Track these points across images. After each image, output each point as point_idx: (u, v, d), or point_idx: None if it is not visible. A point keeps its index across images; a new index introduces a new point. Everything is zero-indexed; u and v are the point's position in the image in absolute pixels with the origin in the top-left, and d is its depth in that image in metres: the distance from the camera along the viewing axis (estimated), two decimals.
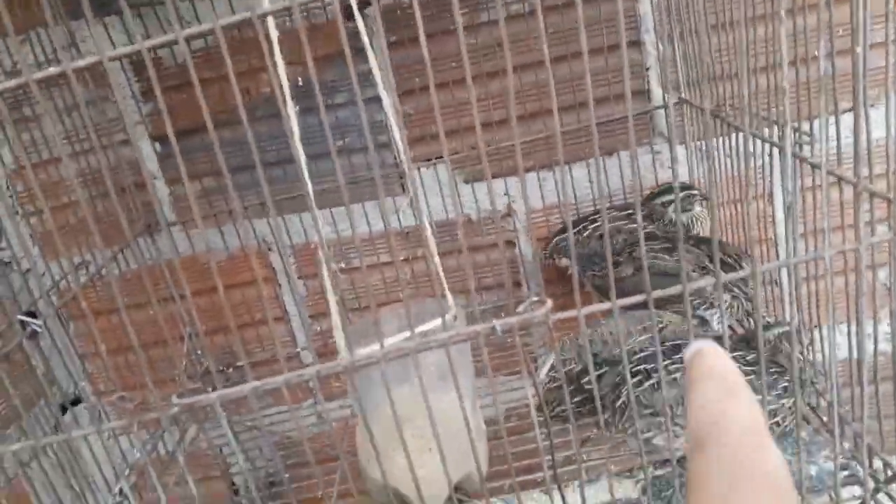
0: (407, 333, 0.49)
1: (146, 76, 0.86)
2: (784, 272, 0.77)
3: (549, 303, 0.38)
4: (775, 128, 0.57)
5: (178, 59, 0.84)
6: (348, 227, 0.87)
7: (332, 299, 0.51)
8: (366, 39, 0.61)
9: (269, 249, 0.90)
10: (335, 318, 0.53)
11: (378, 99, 0.85)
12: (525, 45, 0.80)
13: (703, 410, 0.24)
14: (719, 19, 0.64)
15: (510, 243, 0.90)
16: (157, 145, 0.88)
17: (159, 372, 0.90)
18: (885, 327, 0.52)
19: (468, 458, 0.45)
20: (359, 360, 0.43)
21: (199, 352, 0.93)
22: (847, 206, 0.45)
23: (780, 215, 0.82)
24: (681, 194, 0.75)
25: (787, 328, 0.60)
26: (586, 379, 0.63)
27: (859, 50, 0.39)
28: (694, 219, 0.76)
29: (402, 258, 0.90)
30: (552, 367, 0.68)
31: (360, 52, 0.84)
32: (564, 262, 0.85)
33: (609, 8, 0.77)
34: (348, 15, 0.85)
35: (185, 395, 0.40)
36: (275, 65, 0.50)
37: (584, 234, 0.80)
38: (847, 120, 0.46)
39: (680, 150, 0.81)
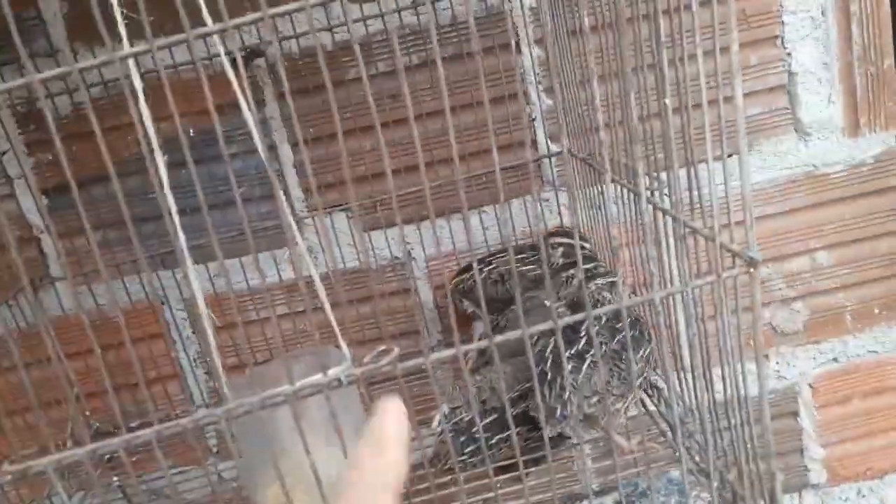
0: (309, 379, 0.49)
1: (31, 128, 0.84)
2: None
3: (396, 350, 0.38)
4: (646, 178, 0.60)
5: (61, 112, 0.82)
6: (241, 279, 0.86)
7: (213, 346, 0.50)
8: (238, 91, 0.61)
9: (162, 304, 0.88)
10: (216, 364, 0.52)
11: (274, 148, 0.86)
12: (413, 97, 0.82)
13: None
14: (584, 74, 0.67)
15: (407, 291, 0.90)
16: (44, 199, 0.85)
17: (43, 438, 0.85)
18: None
19: None
20: (235, 409, 0.42)
21: (87, 413, 0.89)
22: (700, 253, 0.47)
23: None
24: (568, 241, 0.77)
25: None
26: (475, 429, 0.63)
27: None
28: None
29: (300, 309, 0.89)
30: (444, 418, 0.67)
31: (258, 102, 0.84)
32: (466, 304, 0.85)
33: (492, 62, 0.81)
34: (247, 64, 0.86)
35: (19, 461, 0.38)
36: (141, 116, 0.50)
37: (481, 277, 0.81)
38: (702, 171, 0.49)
39: (565, 199, 0.85)
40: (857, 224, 0.89)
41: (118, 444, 0.40)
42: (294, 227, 0.68)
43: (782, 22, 0.84)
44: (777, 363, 0.94)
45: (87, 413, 0.89)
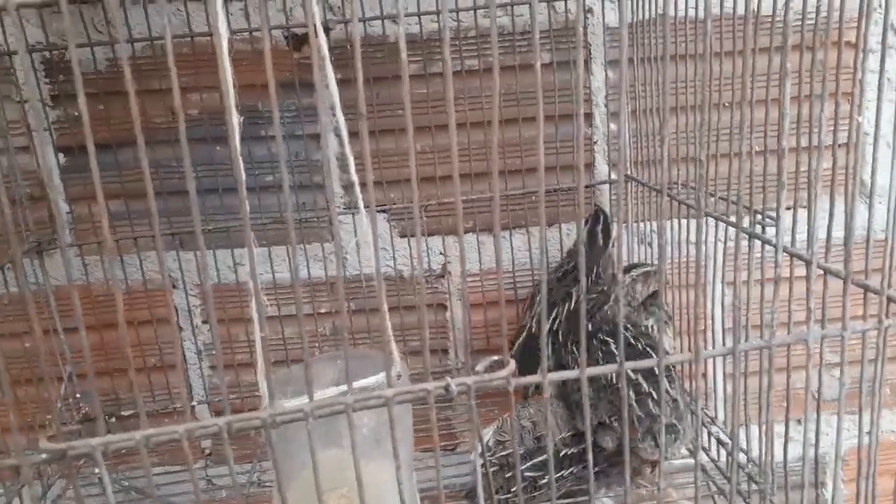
0: (342, 387, 0.43)
1: (58, 79, 0.77)
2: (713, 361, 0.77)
3: (512, 364, 0.33)
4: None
5: (97, 65, 0.76)
6: (268, 270, 0.80)
7: (258, 338, 0.45)
8: (316, 67, 0.56)
9: (174, 287, 0.82)
10: (260, 361, 0.46)
11: (317, 136, 0.81)
12: (477, 102, 0.78)
13: None
14: (679, 102, 0.64)
15: (441, 306, 0.85)
16: (62, 156, 0.79)
17: (28, 416, 0.78)
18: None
19: None
20: (281, 413, 0.37)
21: (77, 395, 0.82)
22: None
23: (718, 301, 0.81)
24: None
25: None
26: (525, 466, 0.58)
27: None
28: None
29: (322, 311, 0.83)
30: (488, 448, 0.62)
31: (306, 86, 0.79)
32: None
33: (564, 77, 0.77)
34: (298, 46, 0.81)
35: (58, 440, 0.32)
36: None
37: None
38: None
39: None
40: None
41: (140, 439, 0.34)
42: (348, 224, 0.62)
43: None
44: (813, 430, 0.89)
45: (77, 395, 0.82)
